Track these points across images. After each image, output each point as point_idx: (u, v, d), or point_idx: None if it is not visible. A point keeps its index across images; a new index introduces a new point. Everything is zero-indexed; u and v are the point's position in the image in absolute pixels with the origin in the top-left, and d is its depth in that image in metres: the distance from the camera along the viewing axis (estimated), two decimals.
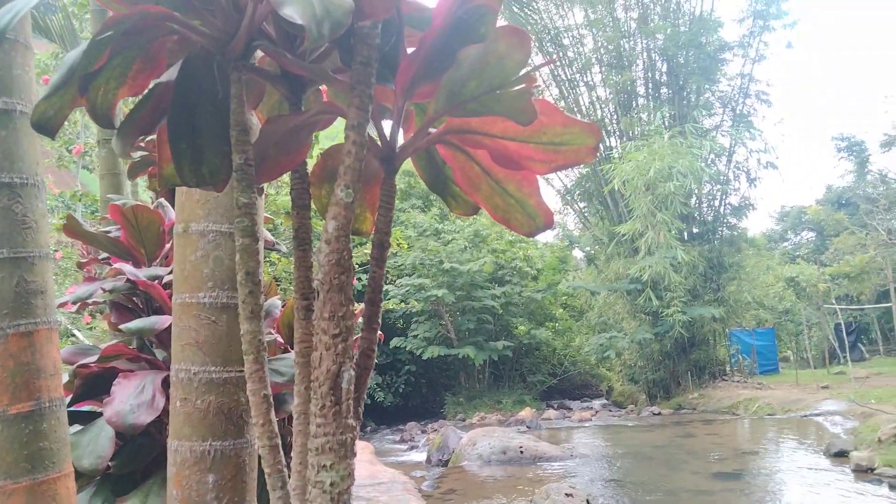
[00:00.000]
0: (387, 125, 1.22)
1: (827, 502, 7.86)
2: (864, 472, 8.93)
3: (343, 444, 1.04)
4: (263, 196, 1.89)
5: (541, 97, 1.13)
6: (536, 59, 24.83)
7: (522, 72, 1.01)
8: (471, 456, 12.12)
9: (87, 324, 9.56)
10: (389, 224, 1.17)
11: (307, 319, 1.19)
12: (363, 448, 11.86)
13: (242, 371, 1.71)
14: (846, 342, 22.15)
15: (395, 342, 23.45)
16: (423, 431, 18.32)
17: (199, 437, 1.66)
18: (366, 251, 10.21)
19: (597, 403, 23.54)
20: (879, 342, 31.61)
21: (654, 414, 18.89)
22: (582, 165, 25.51)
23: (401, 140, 1.22)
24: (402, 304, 21.93)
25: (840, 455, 10.05)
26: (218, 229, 1.79)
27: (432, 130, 1.20)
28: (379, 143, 1.19)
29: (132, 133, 1.22)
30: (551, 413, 20.22)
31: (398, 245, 9.99)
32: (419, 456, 14.05)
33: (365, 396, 1.13)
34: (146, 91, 1.21)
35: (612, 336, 21.66)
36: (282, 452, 1.15)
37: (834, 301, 25.73)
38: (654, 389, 22.39)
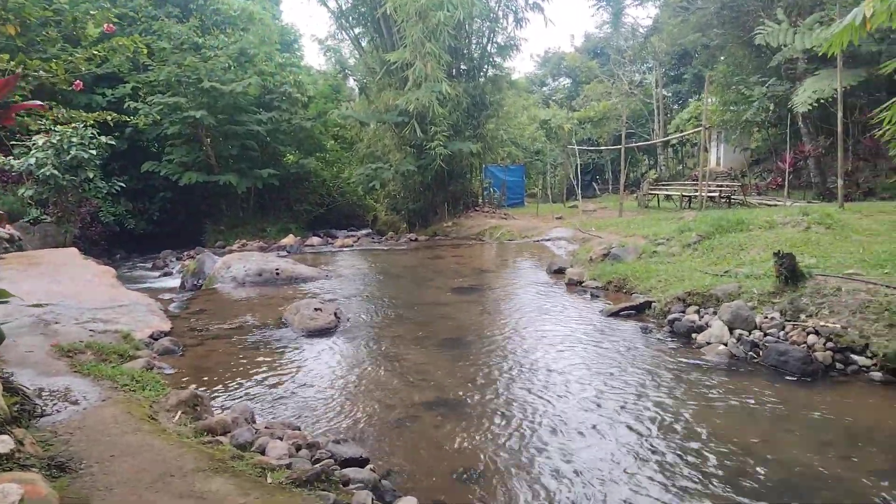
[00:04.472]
0: None
1: (539, 305, 9.07)
2: (575, 285, 10.39)
3: None
4: None
5: None
6: None
7: None
8: (224, 278, 11.95)
9: None
10: None
11: None
12: (103, 272, 11.07)
13: None
14: (580, 180, 24.93)
15: (147, 166, 21.65)
16: (179, 259, 17.60)
17: None
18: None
19: (361, 233, 24.25)
20: (610, 181, 36.04)
21: (412, 240, 20.02)
22: None
23: None
24: (154, 124, 20.02)
25: (559, 272, 11.55)
26: None
27: None
28: None
29: None
30: (315, 240, 20.49)
31: (138, 51, 8.78)
32: (173, 282, 13.54)
33: None
34: None
35: (378, 167, 22.03)
36: None
37: (575, 144, 28.47)
38: (414, 218, 23.61)
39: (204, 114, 20.89)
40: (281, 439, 4.07)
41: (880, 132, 7.00)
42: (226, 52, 22.71)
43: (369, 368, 6.48)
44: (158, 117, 19.81)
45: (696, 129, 23.57)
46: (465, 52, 23.41)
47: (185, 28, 22.61)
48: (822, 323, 6.15)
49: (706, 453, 4.27)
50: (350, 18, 25.60)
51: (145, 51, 8.79)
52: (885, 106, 6.69)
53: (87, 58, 8.61)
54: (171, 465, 3.34)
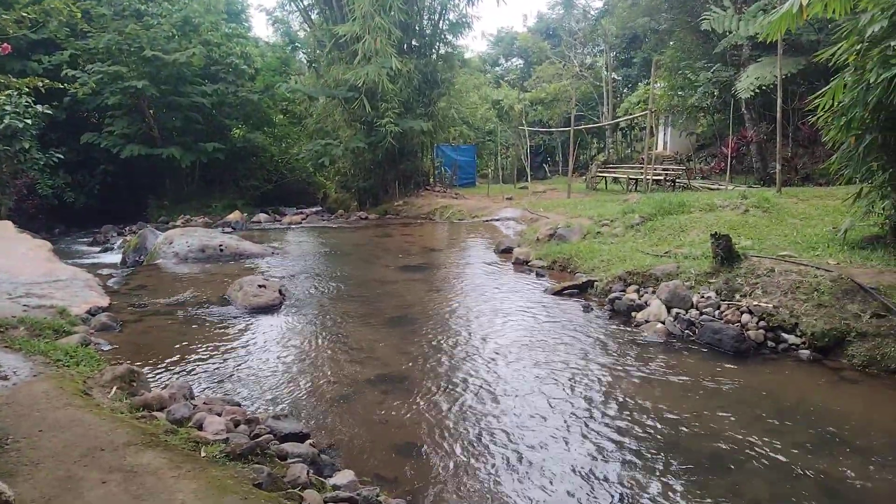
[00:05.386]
0: None
1: (486, 284, 9.14)
2: (522, 265, 10.50)
3: None
4: None
5: None
6: None
7: None
8: (166, 254, 11.65)
9: None
10: None
11: None
12: (39, 246, 10.67)
13: None
14: (531, 162, 25.12)
15: (86, 138, 20.78)
16: (121, 234, 17.07)
17: None
18: None
19: (311, 210, 23.84)
20: (560, 163, 36.30)
21: (362, 218, 19.87)
22: None
23: None
24: (94, 94, 19.26)
25: (506, 251, 11.63)
26: None
27: None
28: None
29: None
30: (262, 217, 20.11)
31: (74, 16, 8.38)
32: (114, 258, 13.15)
33: None
34: None
35: (327, 143, 21.67)
36: None
37: (527, 125, 28.60)
38: (365, 196, 23.37)
39: (146, 84, 20.17)
40: (219, 415, 4.02)
41: (814, 118, 7.23)
42: (169, 20, 21.89)
43: (313, 345, 6.45)
44: (96, 86, 19.05)
45: (643, 113, 23.93)
46: (416, 28, 23.11)
47: None
48: (755, 303, 6.37)
49: (640, 424, 4.40)
50: None
51: (79, 15, 8.40)
52: (819, 93, 6.91)
53: (16, 20, 8.20)
54: (103, 439, 3.27)
